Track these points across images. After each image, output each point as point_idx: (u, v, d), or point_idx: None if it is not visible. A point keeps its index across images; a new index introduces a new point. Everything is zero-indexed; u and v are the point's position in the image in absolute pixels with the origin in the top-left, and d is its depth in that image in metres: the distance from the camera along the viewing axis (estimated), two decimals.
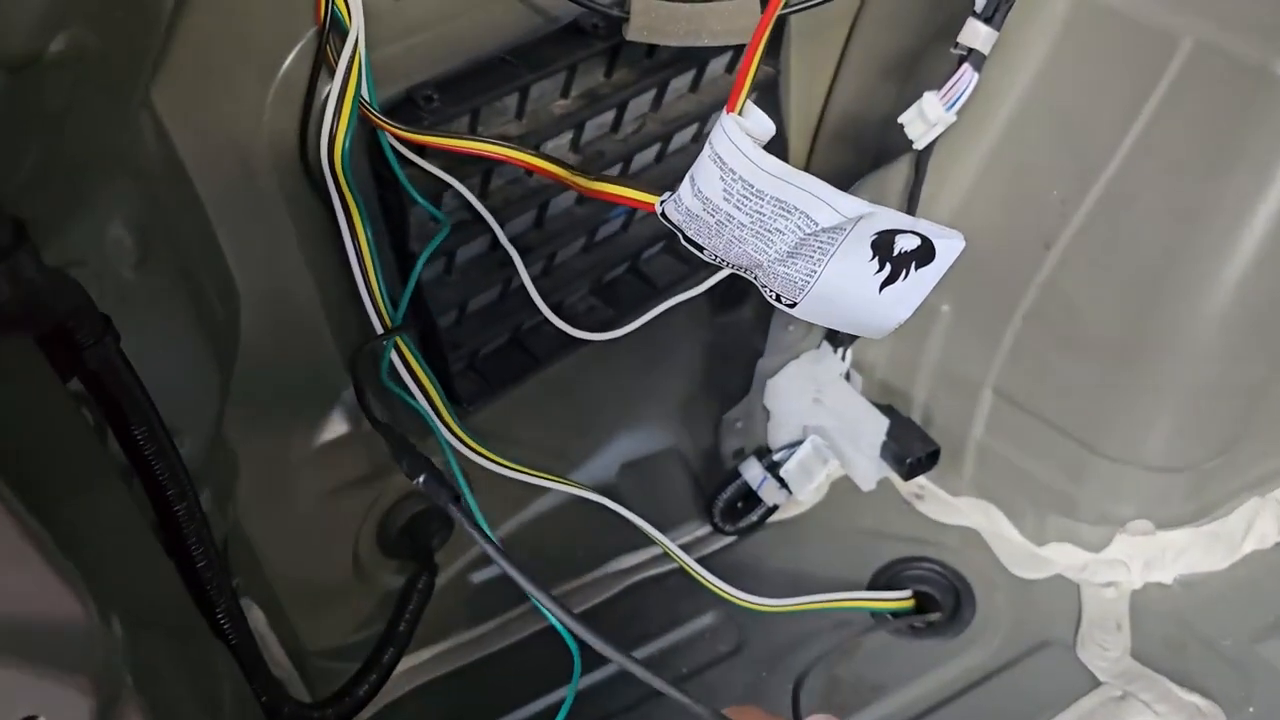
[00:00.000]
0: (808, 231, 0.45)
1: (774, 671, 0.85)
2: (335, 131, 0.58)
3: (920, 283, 0.46)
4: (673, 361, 0.92)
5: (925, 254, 0.45)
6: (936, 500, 0.96)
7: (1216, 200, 0.72)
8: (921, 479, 0.95)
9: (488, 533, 0.57)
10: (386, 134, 0.60)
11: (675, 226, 0.50)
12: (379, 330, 0.65)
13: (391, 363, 0.67)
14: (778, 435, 0.92)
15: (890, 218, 0.45)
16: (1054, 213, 0.78)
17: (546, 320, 0.71)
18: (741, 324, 0.92)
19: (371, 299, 0.64)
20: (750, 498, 0.94)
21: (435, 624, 0.84)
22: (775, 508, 0.94)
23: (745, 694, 0.84)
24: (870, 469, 0.89)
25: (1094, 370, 0.82)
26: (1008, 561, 0.92)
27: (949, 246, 0.45)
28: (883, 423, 0.86)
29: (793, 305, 0.49)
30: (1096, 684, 0.84)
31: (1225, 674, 0.85)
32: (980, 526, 0.94)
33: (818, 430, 0.91)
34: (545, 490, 0.85)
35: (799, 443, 0.91)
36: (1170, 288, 0.77)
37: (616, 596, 0.91)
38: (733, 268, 0.50)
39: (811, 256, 0.47)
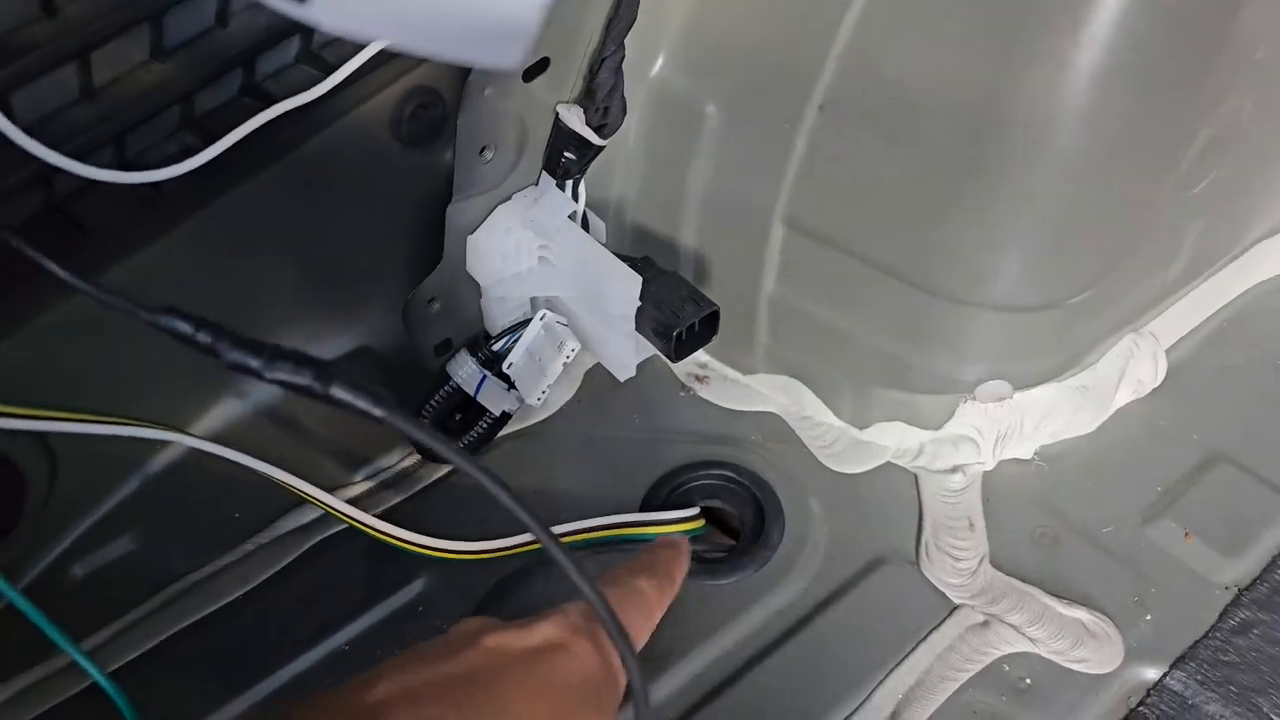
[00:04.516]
0: None
1: None
2: None
3: None
4: (340, 226, 0.64)
5: None
6: (723, 383, 0.72)
7: None
8: (701, 355, 0.71)
9: None
10: None
11: None
12: None
13: None
14: (495, 315, 0.66)
15: None
16: None
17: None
18: (440, 165, 0.64)
19: None
20: (470, 406, 0.67)
21: None
22: (506, 416, 0.68)
23: None
24: (626, 349, 0.63)
25: (923, 179, 0.58)
26: (823, 454, 0.69)
27: None
28: (634, 282, 0.60)
29: None
30: (951, 608, 0.62)
31: (1112, 573, 0.64)
32: (784, 410, 0.71)
33: (550, 303, 0.65)
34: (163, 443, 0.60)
35: (526, 323, 0.65)
36: (1029, 39, 0.53)
37: (293, 565, 0.64)
38: None
39: None
